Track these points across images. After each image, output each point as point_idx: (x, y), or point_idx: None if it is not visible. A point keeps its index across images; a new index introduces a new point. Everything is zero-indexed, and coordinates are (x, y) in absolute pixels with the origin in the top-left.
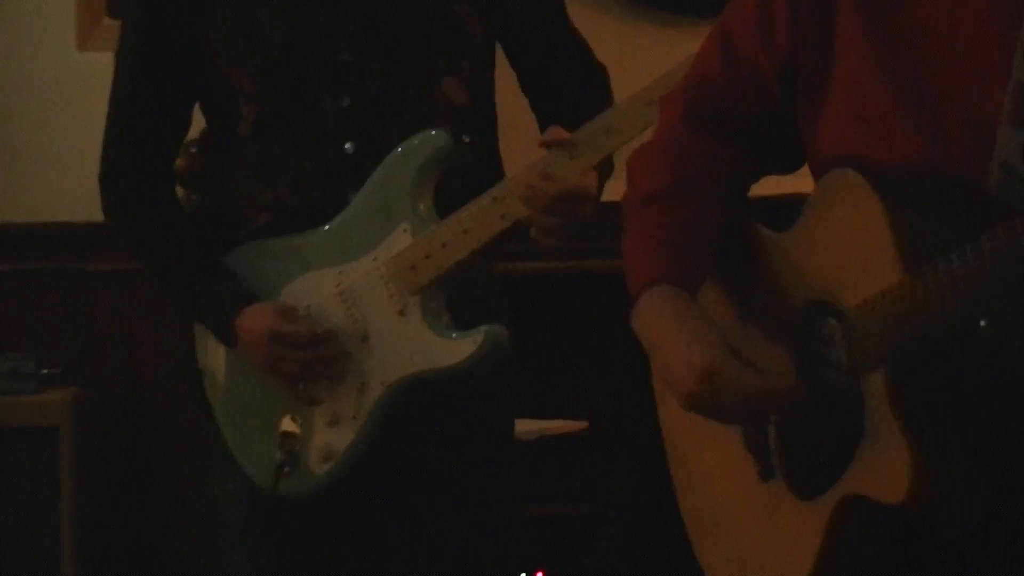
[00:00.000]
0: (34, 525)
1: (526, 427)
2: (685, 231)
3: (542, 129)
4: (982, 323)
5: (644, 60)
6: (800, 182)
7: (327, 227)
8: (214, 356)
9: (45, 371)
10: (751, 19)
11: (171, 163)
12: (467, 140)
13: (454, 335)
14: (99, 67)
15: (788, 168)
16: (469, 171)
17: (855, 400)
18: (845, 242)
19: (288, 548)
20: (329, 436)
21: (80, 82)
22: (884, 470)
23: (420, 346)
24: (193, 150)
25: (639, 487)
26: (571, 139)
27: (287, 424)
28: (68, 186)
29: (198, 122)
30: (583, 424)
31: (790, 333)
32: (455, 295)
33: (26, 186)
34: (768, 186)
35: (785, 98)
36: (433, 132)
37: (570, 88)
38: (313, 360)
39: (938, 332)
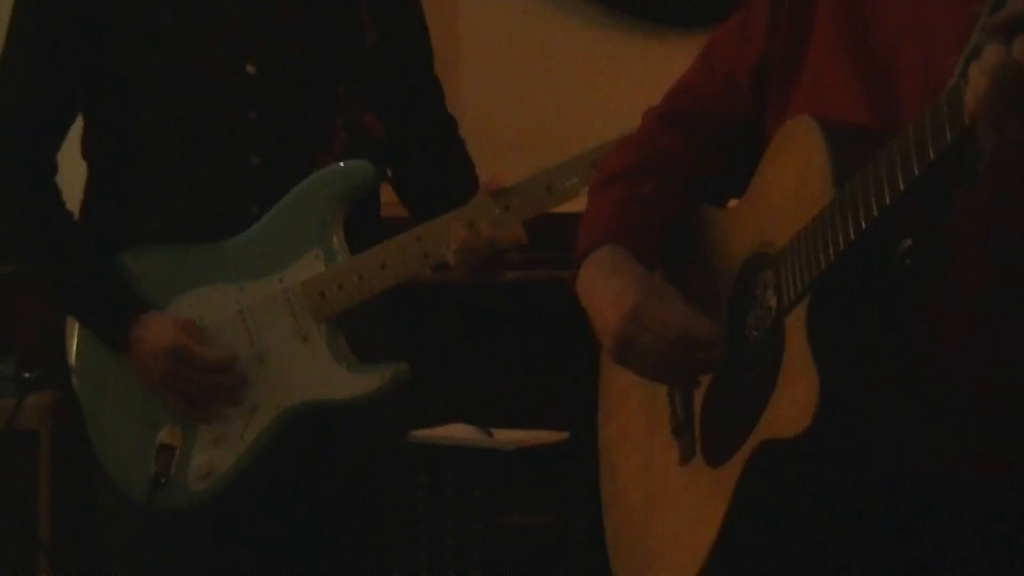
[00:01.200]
0: (11, 529)
1: (505, 437)
2: (637, 205)
3: (403, 198)
4: (906, 243)
5: (629, 71)
6: None
7: (231, 241)
8: (91, 359)
9: (26, 375)
10: (733, 29)
11: (54, 157)
12: (389, 174)
13: (359, 368)
14: None
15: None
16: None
17: (777, 346)
18: (788, 182)
19: (177, 564)
20: (212, 454)
21: None
22: (792, 403)
23: (322, 375)
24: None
25: None
26: (509, 190)
27: (167, 436)
28: None
29: None
30: (563, 435)
31: (726, 293)
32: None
33: None
34: None
35: (757, 102)
36: (359, 162)
37: (436, 156)
38: (211, 385)
39: (859, 251)
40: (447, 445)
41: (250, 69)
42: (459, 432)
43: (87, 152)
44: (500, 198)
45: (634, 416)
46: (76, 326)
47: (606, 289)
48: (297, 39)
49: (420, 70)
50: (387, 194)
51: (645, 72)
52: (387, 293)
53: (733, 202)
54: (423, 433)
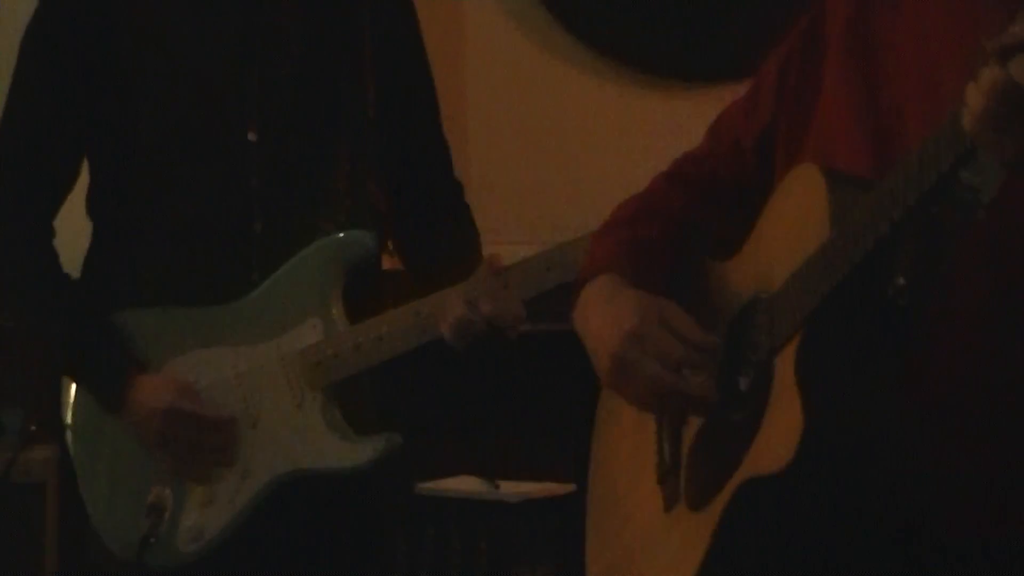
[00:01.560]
0: None
1: (511, 489)
2: (640, 245)
3: (405, 264)
4: (900, 281)
5: (639, 126)
6: None
7: (230, 305)
8: (86, 417)
9: (32, 427)
10: (741, 101)
11: (51, 218)
12: (391, 246)
13: (351, 439)
14: None
15: None
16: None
17: (765, 387)
18: (788, 225)
19: None
20: (202, 516)
21: None
22: (775, 439)
23: (315, 443)
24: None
25: None
26: (508, 269)
27: (157, 496)
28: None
29: None
30: (570, 486)
31: (718, 344)
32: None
33: None
34: None
35: (762, 167)
36: (360, 232)
37: (441, 223)
38: (207, 446)
39: (851, 288)
40: (453, 497)
41: (251, 136)
42: (465, 484)
43: (91, 211)
44: (500, 276)
45: (622, 470)
46: (70, 385)
47: (605, 311)
48: (299, 104)
49: (425, 130)
50: None
51: (655, 127)
52: (383, 364)
53: (735, 256)
54: (429, 485)
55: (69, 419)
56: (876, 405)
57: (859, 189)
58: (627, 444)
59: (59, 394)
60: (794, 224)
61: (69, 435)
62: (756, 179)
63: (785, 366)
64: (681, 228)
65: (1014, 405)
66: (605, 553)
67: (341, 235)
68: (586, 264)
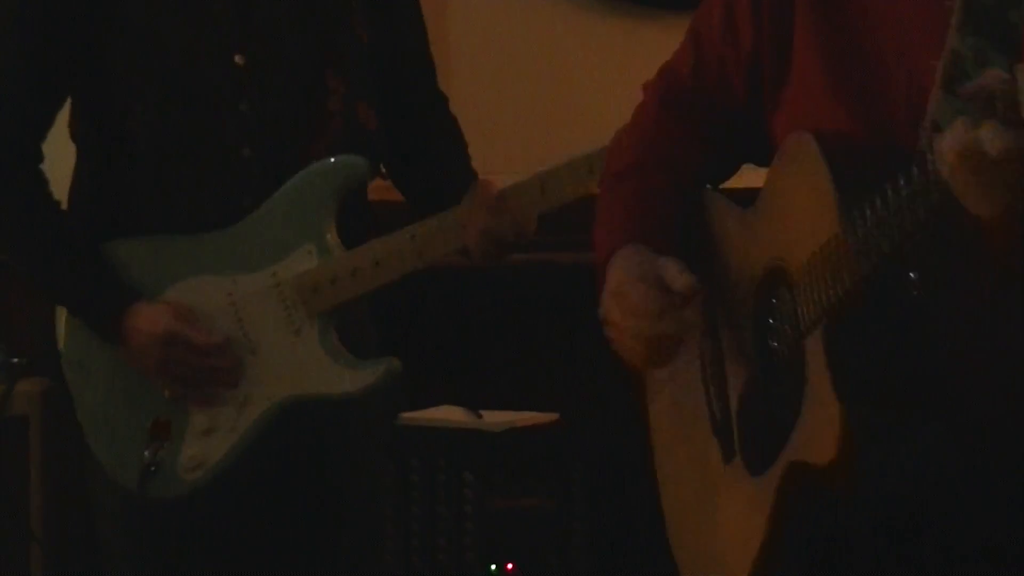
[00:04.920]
0: (3, 515)
1: (495, 419)
2: (653, 198)
3: (398, 184)
4: (912, 275)
5: (622, 55)
6: None
7: (223, 232)
8: (81, 347)
9: (15, 360)
10: (717, 19)
11: (40, 146)
12: (383, 170)
13: (351, 364)
14: None
15: (760, 158)
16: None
17: (798, 366)
18: (797, 201)
19: (163, 548)
20: (203, 445)
21: None
22: (818, 430)
23: (313, 369)
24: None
25: (609, 480)
26: (504, 192)
27: (158, 426)
28: None
29: None
30: (553, 416)
31: (748, 302)
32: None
33: None
34: (747, 179)
35: (752, 95)
36: (352, 157)
37: (439, 151)
38: (208, 368)
39: (869, 284)
40: (437, 427)
41: (239, 60)
42: (449, 414)
43: (75, 136)
44: (499, 199)
45: (679, 399)
46: (64, 315)
47: (637, 276)
48: (287, 29)
49: (414, 46)
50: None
51: (638, 56)
52: (380, 289)
53: (748, 209)
54: (412, 415)
55: (63, 350)
56: (904, 394)
57: (855, 165)
58: (681, 379)
59: (52, 324)
60: (802, 202)
61: (64, 366)
62: (745, 108)
63: (815, 355)
64: (686, 170)
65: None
66: (676, 487)
67: (333, 160)
68: (603, 223)
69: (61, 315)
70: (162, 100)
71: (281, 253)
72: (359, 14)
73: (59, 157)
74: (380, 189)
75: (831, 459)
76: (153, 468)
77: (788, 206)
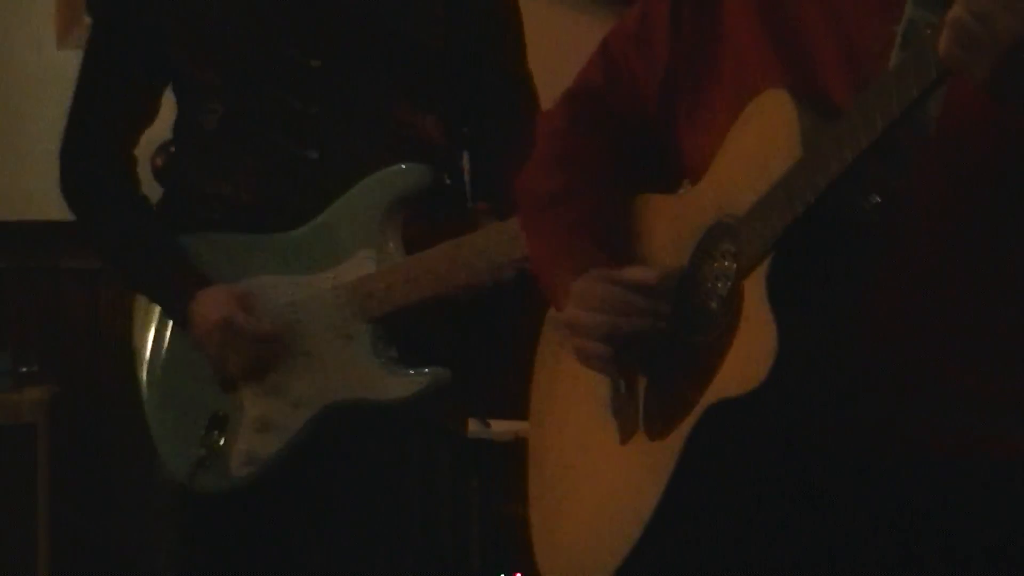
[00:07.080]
0: (10, 523)
1: (502, 428)
2: (596, 220)
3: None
4: (875, 199)
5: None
6: None
7: (287, 234)
8: (152, 337)
9: (23, 369)
10: (631, 31)
11: (129, 148)
12: (448, 181)
13: (399, 371)
14: (78, 66)
15: (665, 182)
16: (436, 212)
17: (733, 311)
18: (752, 150)
19: (211, 548)
20: (255, 441)
21: (59, 81)
22: (747, 358)
23: (363, 374)
24: (172, 149)
25: None
26: None
27: (214, 421)
28: (42, 185)
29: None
30: None
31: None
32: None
33: (0, 184)
34: None
35: (663, 107)
36: (417, 166)
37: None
38: (264, 356)
39: (824, 209)
40: None
41: (315, 63)
42: None
43: (175, 136)
44: None
45: (571, 410)
46: (140, 310)
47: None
48: (363, 36)
49: (498, 65)
50: None
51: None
52: (439, 300)
53: (687, 187)
54: None
55: (136, 343)
56: (845, 323)
57: (824, 115)
58: (573, 380)
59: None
60: (761, 147)
61: (136, 359)
62: (657, 123)
63: (754, 287)
64: (612, 186)
65: (976, 312)
66: (550, 491)
67: (400, 166)
68: (542, 256)
69: (137, 309)
70: (235, 99)
71: (341, 257)
72: (437, 25)
73: None
74: None
75: (760, 382)
76: (207, 461)
77: (740, 158)
